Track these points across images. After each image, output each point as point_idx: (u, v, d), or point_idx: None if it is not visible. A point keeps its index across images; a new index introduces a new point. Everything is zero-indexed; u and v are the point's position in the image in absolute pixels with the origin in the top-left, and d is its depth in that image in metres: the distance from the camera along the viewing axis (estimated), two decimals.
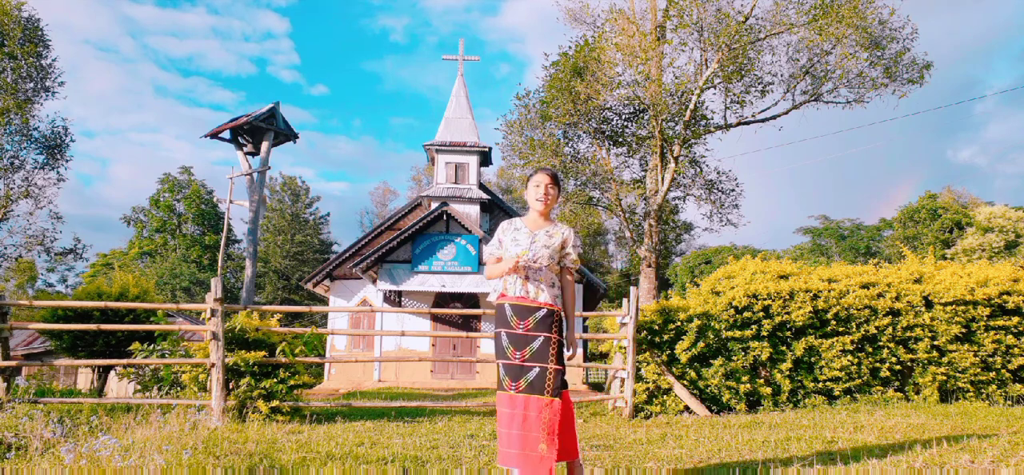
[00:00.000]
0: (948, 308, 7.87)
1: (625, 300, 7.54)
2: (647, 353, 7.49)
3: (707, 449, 5.01)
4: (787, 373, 7.68)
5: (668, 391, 7.47)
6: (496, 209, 23.76)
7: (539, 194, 3.72)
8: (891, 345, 7.89)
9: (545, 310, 3.56)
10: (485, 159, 23.45)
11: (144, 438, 4.88)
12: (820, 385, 7.78)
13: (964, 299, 7.87)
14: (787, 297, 7.85)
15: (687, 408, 7.39)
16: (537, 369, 3.48)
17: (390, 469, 4.31)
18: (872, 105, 20.25)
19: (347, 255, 23.52)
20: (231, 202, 23.28)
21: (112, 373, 13.31)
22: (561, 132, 16.22)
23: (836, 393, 7.79)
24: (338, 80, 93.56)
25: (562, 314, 3.64)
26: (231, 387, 6.91)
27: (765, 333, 7.73)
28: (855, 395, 7.78)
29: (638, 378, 7.47)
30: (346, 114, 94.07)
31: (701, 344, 7.50)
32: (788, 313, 7.78)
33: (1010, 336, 7.86)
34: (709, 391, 7.54)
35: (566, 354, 3.61)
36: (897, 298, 7.99)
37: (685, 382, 7.49)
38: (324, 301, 31.80)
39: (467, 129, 22.85)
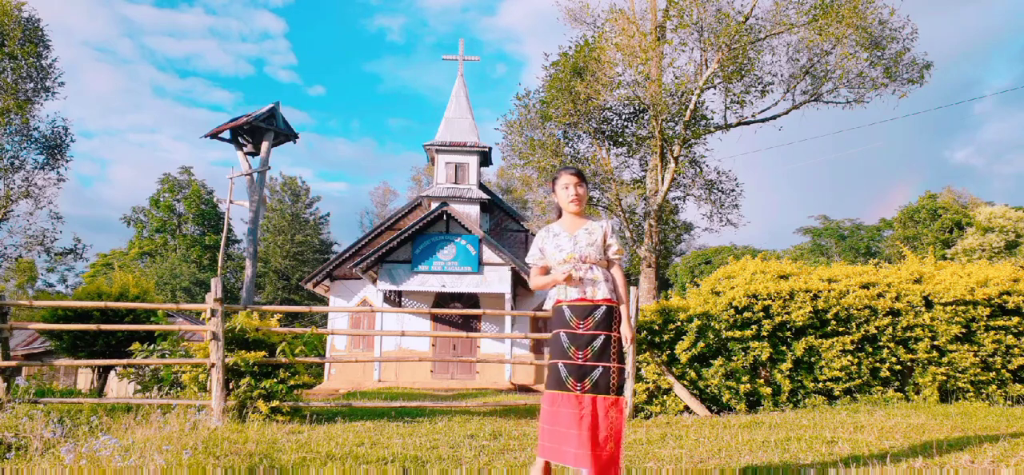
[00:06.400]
0: (948, 308, 7.87)
1: None
2: (647, 353, 7.49)
3: (707, 449, 5.00)
4: (787, 373, 7.68)
5: (668, 391, 7.47)
6: (496, 209, 23.76)
7: (570, 195, 3.73)
8: (891, 345, 7.89)
9: (605, 307, 3.58)
10: (485, 159, 23.45)
11: (144, 438, 4.88)
12: (820, 385, 7.78)
13: (964, 299, 7.87)
14: (787, 297, 7.85)
15: (687, 408, 7.39)
16: (601, 369, 3.50)
17: (390, 469, 4.31)
18: (872, 105, 20.24)
19: (347, 255, 23.52)
20: (231, 202, 23.29)
21: (112, 373, 13.31)
22: (561, 132, 16.19)
23: (836, 393, 7.79)
24: (336, 81, 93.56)
25: (620, 309, 3.65)
26: (231, 387, 6.91)
27: (765, 333, 7.73)
28: (855, 395, 7.78)
29: (638, 378, 7.47)
30: (344, 115, 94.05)
31: (701, 344, 7.50)
32: (788, 313, 7.78)
33: (1010, 336, 7.85)
34: (709, 391, 7.53)
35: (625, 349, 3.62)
36: (897, 298, 7.99)
37: (685, 382, 7.49)
38: (324, 301, 31.79)
39: (467, 129, 22.85)
